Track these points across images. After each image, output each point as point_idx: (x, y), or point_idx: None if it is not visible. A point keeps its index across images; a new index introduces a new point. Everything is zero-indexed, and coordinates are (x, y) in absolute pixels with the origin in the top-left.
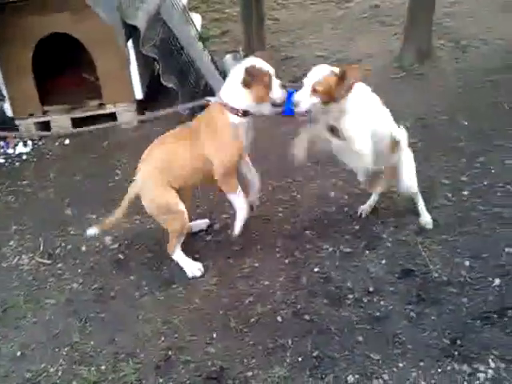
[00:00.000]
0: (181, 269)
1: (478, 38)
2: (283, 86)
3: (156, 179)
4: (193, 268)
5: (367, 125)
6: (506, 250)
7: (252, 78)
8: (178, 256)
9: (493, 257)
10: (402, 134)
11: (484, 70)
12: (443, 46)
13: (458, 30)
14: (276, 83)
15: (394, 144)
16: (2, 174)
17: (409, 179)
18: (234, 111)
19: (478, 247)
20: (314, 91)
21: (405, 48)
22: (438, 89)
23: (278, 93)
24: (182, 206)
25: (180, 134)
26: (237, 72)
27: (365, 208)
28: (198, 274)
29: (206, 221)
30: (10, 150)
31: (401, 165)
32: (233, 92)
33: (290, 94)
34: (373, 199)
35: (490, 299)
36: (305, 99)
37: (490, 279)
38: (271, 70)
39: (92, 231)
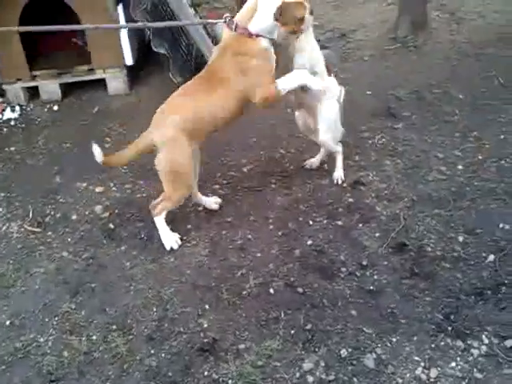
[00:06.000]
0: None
1: (474, 11)
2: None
3: (181, 141)
4: (171, 240)
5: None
6: (500, 225)
7: (285, 15)
8: (160, 223)
9: (487, 232)
10: (317, 83)
11: (479, 43)
12: (438, 18)
13: (454, 2)
14: (309, 20)
15: None
16: None
17: (323, 132)
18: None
19: (472, 222)
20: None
21: (399, 19)
22: (433, 61)
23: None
24: (194, 173)
25: (198, 82)
26: (270, 4)
27: (313, 161)
28: (175, 246)
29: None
30: None
31: (318, 115)
32: (264, 24)
33: None
34: (321, 153)
35: (484, 275)
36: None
37: (484, 255)
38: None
39: (97, 151)
